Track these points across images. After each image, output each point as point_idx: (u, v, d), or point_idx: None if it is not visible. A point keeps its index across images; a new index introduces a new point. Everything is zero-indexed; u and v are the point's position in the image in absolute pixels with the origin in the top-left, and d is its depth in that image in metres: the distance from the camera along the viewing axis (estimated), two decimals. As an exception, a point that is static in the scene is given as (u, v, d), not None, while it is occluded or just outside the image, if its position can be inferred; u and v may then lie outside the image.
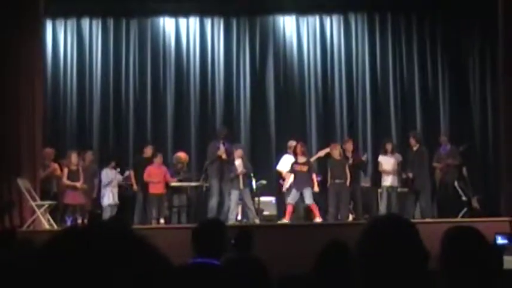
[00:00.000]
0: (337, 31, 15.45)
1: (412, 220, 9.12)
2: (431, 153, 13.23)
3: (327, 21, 15.51)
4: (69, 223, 12.12)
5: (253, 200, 12.50)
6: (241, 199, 12.25)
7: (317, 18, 15.49)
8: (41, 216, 11.00)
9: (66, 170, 12.26)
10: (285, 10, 15.40)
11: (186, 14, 15.37)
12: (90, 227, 0.98)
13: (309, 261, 3.03)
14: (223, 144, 12.29)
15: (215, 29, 15.40)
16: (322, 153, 12.94)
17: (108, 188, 12.87)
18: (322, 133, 15.02)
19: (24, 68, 11.54)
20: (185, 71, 15.22)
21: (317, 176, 12.66)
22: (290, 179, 12.37)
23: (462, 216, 12.16)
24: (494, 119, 14.17)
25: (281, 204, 13.03)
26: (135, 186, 12.84)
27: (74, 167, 12.33)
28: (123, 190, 13.19)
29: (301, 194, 11.96)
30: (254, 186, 12.65)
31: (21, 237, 4.96)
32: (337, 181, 12.21)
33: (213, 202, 12.01)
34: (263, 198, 13.00)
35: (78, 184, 12.18)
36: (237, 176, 12.12)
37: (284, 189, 12.47)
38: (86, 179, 12.52)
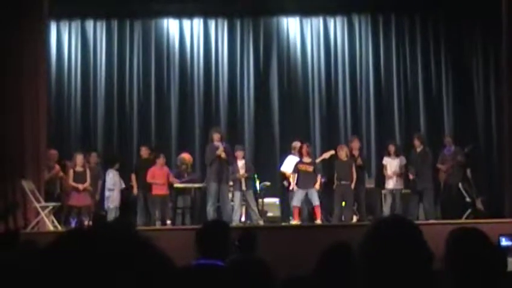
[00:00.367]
0: (340, 32, 15.45)
1: (416, 221, 9.13)
2: (436, 155, 13.22)
3: (331, 22, 15.51)
4: (73, 225, 12.14)
5: (257, 202, 12.49)
6: (244, 200, 12.24)
7: (321, 19, 15.49)
8: (45, 218, 11.01)
9: (71, 172, 12.27)
10: (289, 11, 15.40)
11: (190, 15, 15.38)
12: (94, 229, 0.98)
13: (312, 262, 3.03)
14: (222, 144, 12.16)
15: (219, 31, 15.41)
16: (327, 155, 12.92)
17: (113, 190, 12.88)
18: (325, 134, 15.02)
19: (28, 70, 11.55)
20: (189, 72, 15.23)
21: (321, 178, 12.67)
22: (294, 179, 12.38)
23: (466, 218, 12.15)
24: (498, 120, 14.14)
25: (285, 206, 13.03)
26: (135, 190, 12.78)
27: (79, 169, 12.34)
28: (125, 192, 13.17)
29: (307, 195, 11.96)
30: (258, 187, 12.65)
31: (25, 239, 4.97)
32: (342, 182, 12.21)
33: (209, 206, 11.86)
34: (267, 200, 12.99)
35: (81, 186, 12.17)
36: (239, 178, 12.13)
37: (291, 187, 12.44)
38: (90, 181, 12.53)
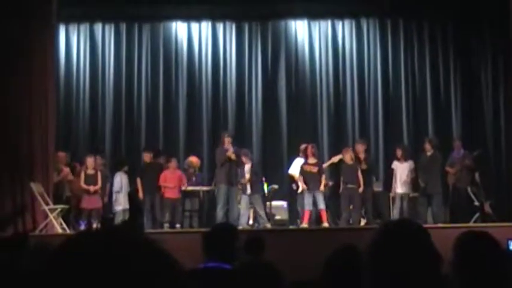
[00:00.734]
0: (349, 36, 15.44)
1: (424, 225, 9.09)
2: (444, 158, 13.18)
3: (339, 26, 15.50)
4: (82, 227, 12.17)
5: (264, 205, 12.48)
6: (251, 203, 12.24)
7: (329, 23, 15.48)
8: (53, 220, 11.05)
9: (82, 174, 12.30)
10: (297, 15, 15.40)
11: (198, 18, 15.41)
12: (103, 231, 0.99)
13: (320, 266, 3.03)
14: (232, 147, 12.18)
15: (227, 34, 15.44)
16: (335, 159, 12.89)
17: (121, 192, 12.90)
18: (333, 138, 15.01)
19: (37, 73, 11.61)
20: (197, 75, 15.25)
21: (329, 181, 12.68)
22: (302, 181, 12.39)
23: (474, 221, 12.11)
24: (507, 124, 14.11)
25: (293, 209, 13.02)
26: (141, 194, 12.80)
27: (91, 171, 12.37)
28: (133, 195, 13.17)
29: (314, 197, 11.96)
30: (266, 190, 12.64)
31: (36, 241, 4.99)
32: (349, 186, 12.19)
33: (219, 208, 11.87)
34: (275, 203, 12.98)
35: (92, 188, 12.20)
36: (245, 183, 12.14)
37: (299, 190, 12.43)
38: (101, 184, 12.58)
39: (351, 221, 12.12)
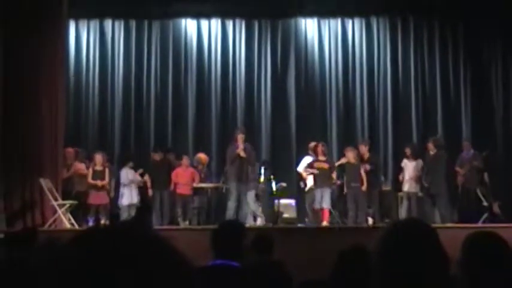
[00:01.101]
0: (358, 34, 15.42)
1: (433, 225, 9.06)
2: (454, 158, 13.15)
3: (349, 24, 15.48)
4: (90, 223, 12.22)
5: (273, 203, 12.48)
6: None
7: (339, 21, 15.46)
8: (62, 216, 11.09)
9: (90, 171, 12.38)
10: (307, 13, 15.39)
11: (208, 16, 15.42)
12: (113, 228, 0.99)
13: (328, 265, 3.02)
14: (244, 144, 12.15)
15: (237, 31, 15.44)
16: (344, 160, 12.85)
17: (127, 188, 12.93)
18: (342, 136, 14.99)
19: (48, 69, 11.64)
20: (206, 72, 15.26)
21: (337, 180, 12.67)
22: (310, 180, 12.38)
23: (483, 222, 12.06)
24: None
25: (301, 207, 13.01)
26: (150, 191, 12.85)
27: (99, 168, 12.44)
28: (142, 191, 13.21)
29: (321, 194, 11.95)
30: (274, 188, 12.63)
31: (45, 236, 5.00)
32: (352, 185, 12.19)
33: (231, 205, 11.85)
34: (283, 201, 12.96)
35: (99, 182, 12.27)
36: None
37: (306, 188, 12.43)
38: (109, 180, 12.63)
39: (357, 220, 12.11)
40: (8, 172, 11.11)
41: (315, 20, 15.46)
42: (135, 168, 13.20)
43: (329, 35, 15.42)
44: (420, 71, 15.20)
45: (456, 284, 2.31)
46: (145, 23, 15.37)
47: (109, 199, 12.68)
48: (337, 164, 12.91)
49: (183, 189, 12.76)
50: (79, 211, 12.18)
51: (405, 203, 12.54)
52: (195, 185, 12.91)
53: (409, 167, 12.62)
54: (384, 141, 14.97)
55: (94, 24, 15.37)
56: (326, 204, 11.97)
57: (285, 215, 12.88)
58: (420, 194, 12.61)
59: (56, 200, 11.21)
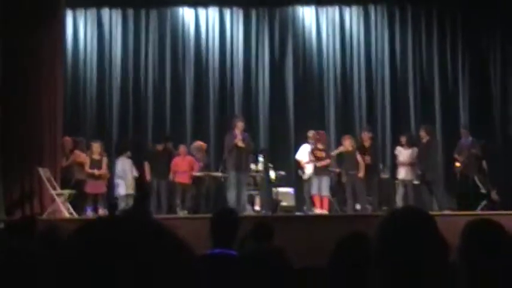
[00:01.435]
0: (356, 22, 15.40)
1: (430, 212, 9.08)
2: (452, 145, 13.18)
3: (347, 12, 15.45)
4: (89, 212, 12.24)
5: (271, 191, 12.50)
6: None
7: (336, 9, 15.43)
8: (60, 205, 11.11)
9: (88, 160, 12.38)
10: (304, 1, 15.36)
11: (206, 4, 15.38)
12: (118, 218, 0.99)
13: (327, 252, 3.03)
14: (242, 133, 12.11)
15: (234, 20, 15.40)
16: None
17: (123, 177, 12.95)
18: (340, 124, 15.00)
19: (46, 59, 11.62)
20: (204, 61, 15.24)
21: (336, 169, 12.70)
22: (308, 168, 12.40)
23: (481, 209, 12.10)
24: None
25: (300, 195, 13.04)
26: (148, 178, 12.87)
27: (96, 157, 12.44)
28: (139, 180, 13.22)
29: (319, 182, 11.98)
30: (273, 176, 12.64)
31: (45, 225, 5.01)
32: (350, 172, 12.22)
33: (232, 194, 11.75)
34: (281, 189, 12.99)
35: (97, 171, 12.27)
36: None
37: (306, 176, 12.46)
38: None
39: (357, 207, 12.15)
40: (7, 161, 11.12)
41: (313, 8, 15.43)
42: (132, 158, 13.22)
43: (327, 23, 15.40)
44: (418, 59, 15.19)
45: (455, 271, 2.32)
46: (143, 11, 15.33)
47: (106, 188, 12.68)
48: (334, 153, 12.92)
49: (182, 178, 12.79)
50: (78, 200, 12.19)
51: (401, 190, 12.58)
52: (193, 173, 12.92)
53: (404, 155, 12.67)
54: (382, 129, 14.99)
55: (91, 13, 15.32)
56: (325, 192, 12.00)
57: (284, 204, 12.91)
58: (416, 181, 12.65)
59: (54, 189, 11.22)
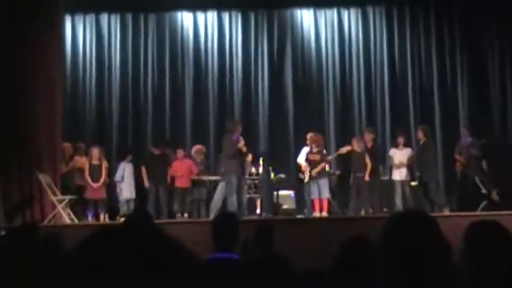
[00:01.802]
0: (355, 24, 15.40)
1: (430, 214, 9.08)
2: (451, 146, 13.18)
3: (345, 14, 15.46)
4: (89, 217, 12.24)
5: (271, 194, 12.50)
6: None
7: (335, 11, 15.44)
8: (61, 211, 11.09)
9: (87, 165, 12.36)
10: (303, 3, 15.38)
11: (204, 8, 15.39)
12: (125, 226, 0.99)
13: (328, 255, 3.03)
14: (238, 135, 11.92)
15: (233, 23, 15.41)
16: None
17: (124, 182, 12.93)
18: (340, 126, 15.00)
19: (44, 64, 11.60)
20: (203, 65, 15.25)
21: (336, 170, 12.68)
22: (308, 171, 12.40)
23: (482, 210, 12.08)
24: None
25: (300, 198, 13.02)
26: (146, 183, 12.84)
27: (95, 162, 12.44)
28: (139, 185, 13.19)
29: (318, 186, 11.95)
30: (272, 178, 12.62)
31: (47, 231, 5.01)
32: (357, 175, 12.21)
33: (233, 200, 11.41)
34: (282, 192, 12.98)
35: (95, 185, 12.25)
36: None
37: (306, 180, 12.44)
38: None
39: (362, 212, 12.14)
40: (7, 168, 11.09)
41: (311, 10, 15.44)
42: (133, 162, 13.21)
43: (325, 26, 15.40)
44: (417, 60, 15.19)
45: (458, 272, 2.32)
46: (142, 16, 15.34)
47: (106, 194, 12.64)
48: (335, 155, 12.90)
49: (181, 182, 12.78)
50: (78, 205, 12.18)
51: (399, 191, 12.57)
52: (193, 177, 12.91)
53: (398, 156, 12.69)
54: (382, 130, 14.98)
55: (90, 18, 15.34)
56: (325, 195, 11.98)
57: (284, 206, 12.90)
58: (414, 183, 12.66)
59: (55, 195, 11.21)
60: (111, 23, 15.34)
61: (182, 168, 12.81)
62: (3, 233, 7.30)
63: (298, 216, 12.51)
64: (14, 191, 11.09)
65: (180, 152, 13.07)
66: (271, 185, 12.60)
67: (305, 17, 15.45)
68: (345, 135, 14.14)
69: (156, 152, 13.07)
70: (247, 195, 12.34)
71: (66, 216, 11.19)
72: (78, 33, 15.24)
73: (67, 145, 12.66)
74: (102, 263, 0.92)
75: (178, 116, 15.07)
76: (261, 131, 14.93)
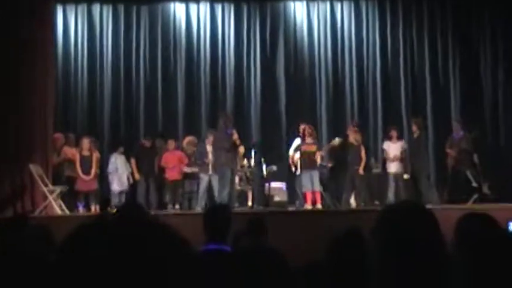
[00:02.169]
0: (347, 17, 15.39)
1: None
2: (443, 139, 13.20)
3: (338, 7, 15.44)
4: (80, 208, 12.22)
5: (263, 186, 12.49)
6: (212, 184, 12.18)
7: (328, 4, 15.42)
8: (53, 202, 11.06)
9: (78, 157, 12.31)
10: (296, -4, 15.34)
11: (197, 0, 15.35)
12: (120, 217, 0.98)
13: (320, 248, 3.02)
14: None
15: (225, 15, 15.37)
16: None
17: (116, 173, 12.91)
18: (332, 118, 15.01)
19: (36, 55, 11.56)
20: (195, 56, 15.20)
21: (328, 162, 12.68)
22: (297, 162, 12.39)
23: (473, 203, 12.13)
24: (505, 104, 14.13)
25: (292, 190, 13.02)
26: (136, 175, 12.82)
27: (86, 153, 12.39)
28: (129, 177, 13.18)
29: (311, 177, 11.95)
30: (264, 171, 12.62)
31: (36, 223, 4.99)
32: (354, 167, 12.26)
33: (225, 193, 11.27)
34: (273, 184, 12.96)
35: (86, 177, 12.21)
36: (207, 163, 12.13)
37: (297, 172, 12.44)
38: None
39: (352, 203, 12.17)
40: (-2, 158, 11.06)
41: (304, 2, 15.42)
42: (125, 154, 13.18)
43: (318, 18, 15.38)
44: (409, 53, 15.20)
45: (451, 264, 2.32)
46: (134, 7, 15.27)
47: (97, 185, 12.61)
48: (332, 144, 12.91)
49: (172, 174, 12.73)
50: (69, 197, 12.15)
51: (392, 184, 12.60)
52: (185, 169, 12.88)
53: (392, 149, 12.71)
54: (374, 123, 15.00)
55: (82, 8, 15.25)
56: (317, 187, 11.98)
57: (276, 199, 12.89)
58: (407, 175, 12.69)
59: (46, 186, 11.18)
60: (103, 14, 15.26)
61: (173, 160, 12.77)
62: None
63: (290, 208, 12.51)
64: (5, 182, 11.05)
65: (172, 143, 13.04)
66: (263, 177, 12.58)
67: (298, 9, 15.43)
68: (337, 128, 14.15)
69: (147, 144, 13.05)
70: (239, 188, 12.33)
71: (57, 207, 11.17)
72: (69, 24, 15.14)
73: (59, 136, 12.62)
74: (97, 252, 0.91)
75: (170, 107, 15.03)
76: (253, 123, 14.92)
